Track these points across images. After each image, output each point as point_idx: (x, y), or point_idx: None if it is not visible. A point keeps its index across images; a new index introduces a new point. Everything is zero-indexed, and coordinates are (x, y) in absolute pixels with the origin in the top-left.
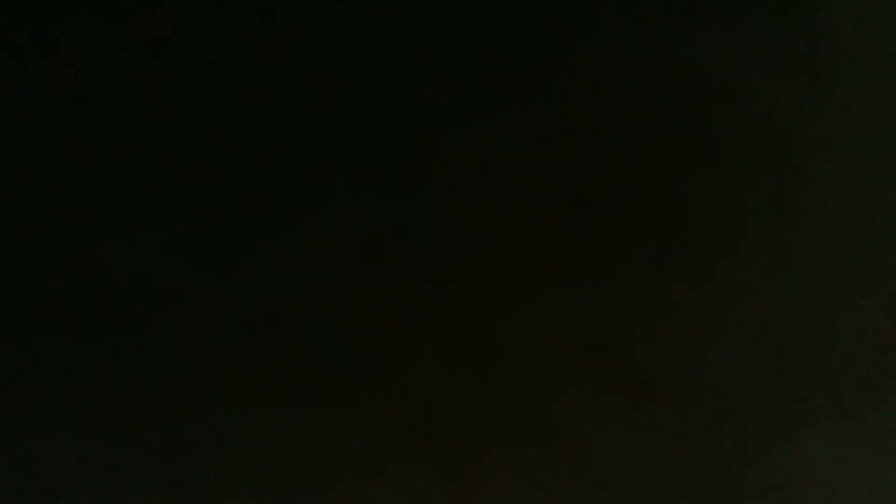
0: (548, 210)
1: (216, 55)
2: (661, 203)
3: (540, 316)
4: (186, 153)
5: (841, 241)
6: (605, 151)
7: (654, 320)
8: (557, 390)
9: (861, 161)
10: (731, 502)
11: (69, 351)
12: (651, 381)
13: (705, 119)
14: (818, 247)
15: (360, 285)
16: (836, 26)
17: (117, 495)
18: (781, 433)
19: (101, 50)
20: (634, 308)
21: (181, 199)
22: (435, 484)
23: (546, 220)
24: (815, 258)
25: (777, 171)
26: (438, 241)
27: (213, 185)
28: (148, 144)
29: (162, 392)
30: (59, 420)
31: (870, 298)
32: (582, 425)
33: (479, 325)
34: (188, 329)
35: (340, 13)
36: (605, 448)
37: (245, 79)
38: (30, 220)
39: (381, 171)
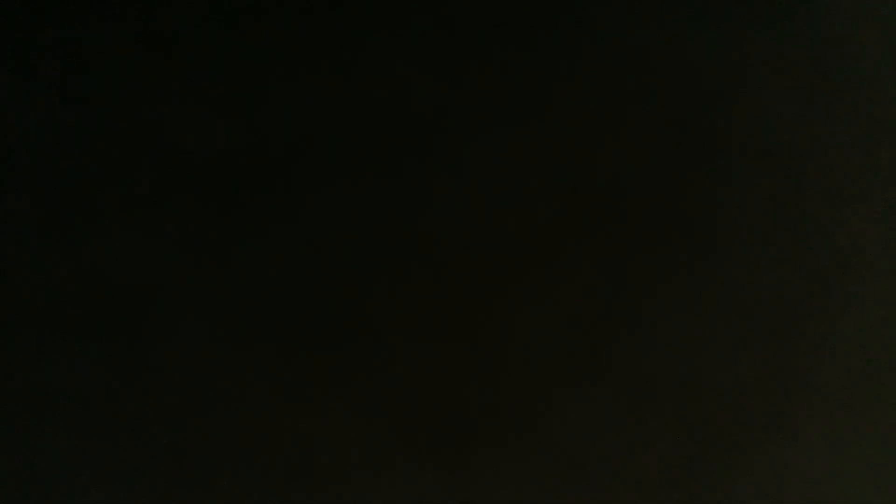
0: (546, 210)
1: (216, 54)
2: (660, 203)
3: (539, 316)
4: (186, 152)
5: (841, 242)
6: (604, 151)
7: (653, 321)
8: (557, 390)
9: (861, 161)
10: (731, 502)
11: (69, 350)
12: (650, 382)
13: (705, 119)
14: (818, 247)
15: (359, 284)
16: (836, 26)
17: (117, 494)
18: (780, 433)
19: (101, 49)
20: (633, 308)
21: (181, 198)
22: (434, 483)
23: (544, 220)
24: (815, 258)
25: (777, 171)
26: (438, 241)
27: (212, 184)
28: (147, 143)
29: (161, 391)
30: (59, 420)
31: (870, 298)
32: (581, 425)
33: (478, 325)
34: (188, 328)
35: (340, 12)
36: (603, 448)
37: (245, 78)
38: (29, 219)
39: (380, 170)
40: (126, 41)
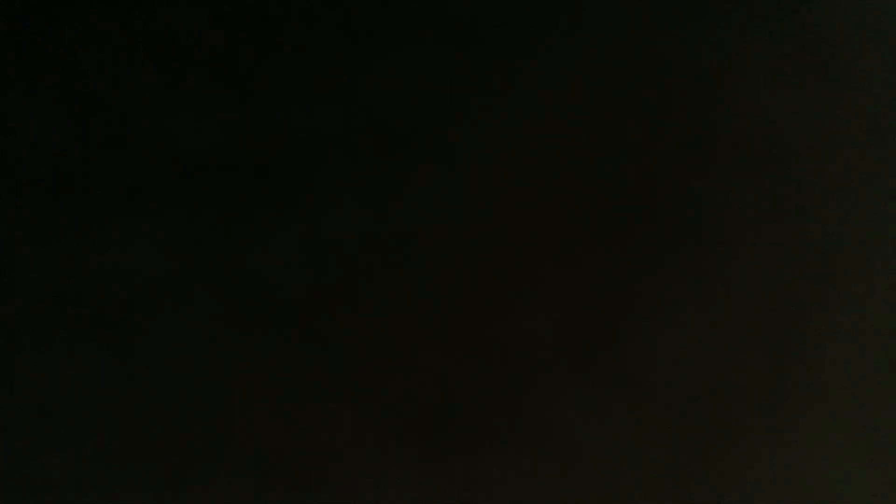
0: (545, 211)
1: (216, 55)
2: (660, 203)
3: (539, 317)
4: (186, 152)
5: (840, 242)
6: (603, 152)
7: (652, 321)
8: (556, 391)
9: (861, 161)
10: (731, 503)
11: (69, 350)
12: (650, 382)
13: (705, 119)
14: (817, 247)
15: (359, 286)
16: (836, 26)
17: (117, 494)
18: (780, 434)
19: (101, 50)
20: (633, 309)
21: (181, 198)
22: (437, 484)
23: (543, 220)
24: (815, 258)
25: (776, 171)
26: (437, 242)
27: (212, 184)
28: (147, 143)
29: (161, 392)
30: (58, 419)
31: (869, 298)
32: (580, 426)
33: (477, 326)
34: (188, 328)
35: (340, 13)
36: (602, 448)
37: (245, 78)
38: (29, 219)
39: (380, 171)
40: (126, 41)
